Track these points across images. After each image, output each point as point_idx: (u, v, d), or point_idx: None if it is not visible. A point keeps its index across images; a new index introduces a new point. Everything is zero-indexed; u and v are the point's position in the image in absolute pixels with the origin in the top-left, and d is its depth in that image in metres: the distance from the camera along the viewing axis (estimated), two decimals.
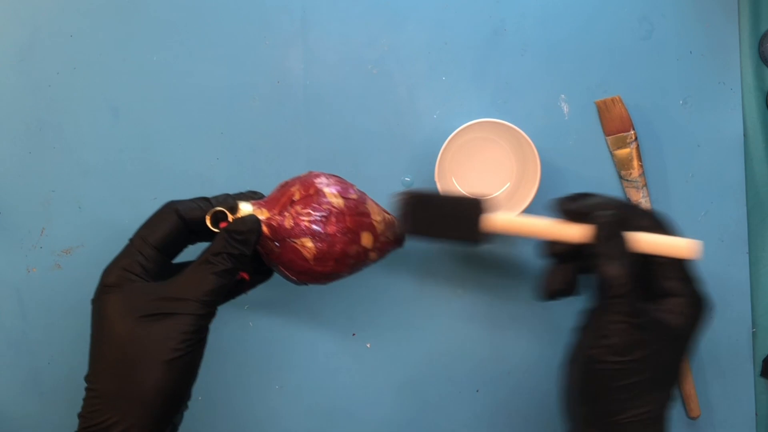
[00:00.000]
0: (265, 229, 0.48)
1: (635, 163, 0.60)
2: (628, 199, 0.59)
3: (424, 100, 0.60)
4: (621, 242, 0.45)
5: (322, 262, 0.48)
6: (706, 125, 0.61)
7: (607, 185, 0.61)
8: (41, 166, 0.59)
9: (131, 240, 0.48)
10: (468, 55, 0.61)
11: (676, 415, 0.61)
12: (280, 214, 0.48)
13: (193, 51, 0.60)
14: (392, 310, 0.60)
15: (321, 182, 0.49)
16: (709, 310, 0.46)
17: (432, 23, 0.61)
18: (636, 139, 0.60)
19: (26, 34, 0.60)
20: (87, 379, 0.45)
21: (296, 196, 0.49)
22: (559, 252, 0.49)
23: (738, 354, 0.61)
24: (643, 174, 0.60)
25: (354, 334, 0.60)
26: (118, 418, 0.43)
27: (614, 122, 0.60)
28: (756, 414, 0.61)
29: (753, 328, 0.61)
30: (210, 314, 0.45)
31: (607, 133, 0.60)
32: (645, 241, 0.46)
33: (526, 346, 0.60)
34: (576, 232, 0.47)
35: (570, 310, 0.50)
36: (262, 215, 0.48)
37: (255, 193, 0.52)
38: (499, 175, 0.59)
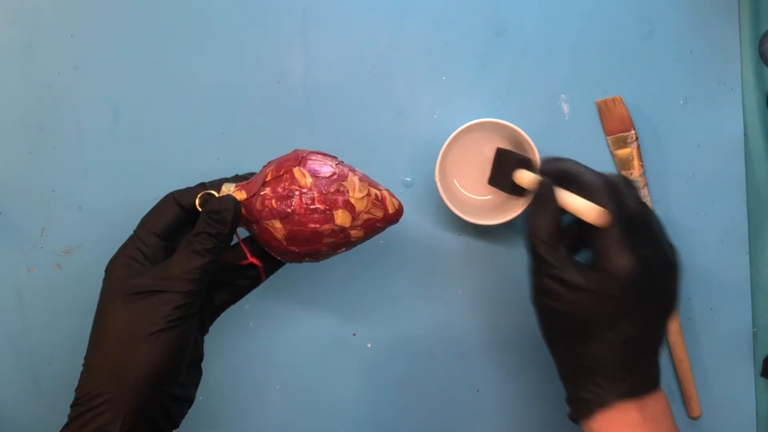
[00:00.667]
0: (244, 210, 0.49)
1: (636, 163, 0.60)
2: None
3: (424, 100, 0.60)
4: (550, 205, 0.49)
5: (295, 242, 0.49)
6: (706, 125, 0.61)
7: None
8: (41, 166, 0.59)
9: (135, 230, 0.50)
10: (468, 55, 0.61)
11: (676, 415, 0.60)
12: (254, 195, 0.49)
13: (193, 51, 0.60)
14: (392, 310, 0.60)
15: (296, 161, 0.50)
16: (627, 274, 0.46)
17: (432, 23, 0.61)
18: (636, 139, 0.60)
19: (26, 34, 0.60)
20: (84, 357, 0.47)
21: (268, 177, 0.49)
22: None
23: (738, 354, 0.61)
24: (643, 174, 0.60)
25: (354, 334, 0.60)
26: (102, 390, 0.44)
27: (615, 122, 0.60)
28: (756, 414, 0.61)
29: (753, 328, 0.61)
30: (195, 292, 0.46)
31: (607, 133, 0.60)
32: (564, 201, 0.49)
33: (527, 346, 0.60)
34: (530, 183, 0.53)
35: None
36: (241, 196, 0.49)
37: (252, 174, 0.53)
38: None
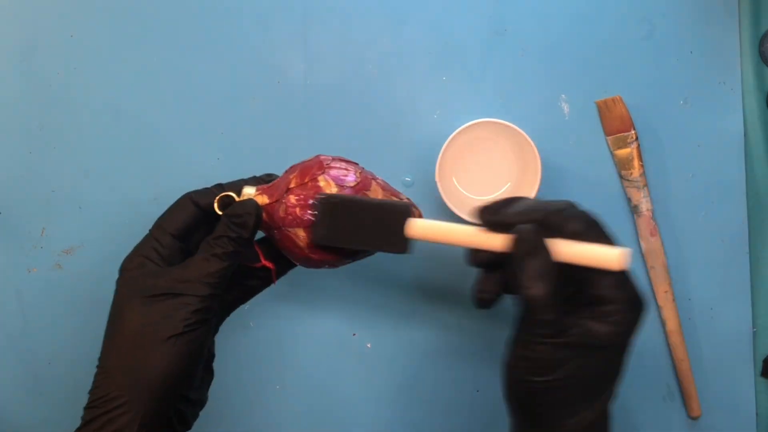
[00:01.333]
0: (264, 215, 0.49)
1: (636, 162, 0.60)
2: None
3: (424, 100, 0.60)
4: (543, 257, 0.41)
5: (317, 251, 0.48)
6: (706, 125, 0.61)
7: (607, 185, 0.61)
8: (41, 166, 0.59)
9: (150, 230, 0.49)
10: (468, 55, 0.61)
11: (676, 415, 0.61)
12: (277, 201, 0.49)
13: (193, 51, 0.60)
14: (392, 311, 0.60)
15: (320, 169, 0.49)
16: (644, 311, 0.42)
17: (432, 23, 0.61)
18: (636, 138, 0.60)
19: (27, 34, 0.60)
20: (99, 358, 0.46)
21: (292, 184, 0.49)
22: (484, 261, 0.45)
23: (738, 354, 0.61)
24: (643, 174, 0.60)
25: (354, 334, 0.60)
26: (119, 392, 0.44)
27: (615, 122, 0.60)
28: (756, 414, 0.61)
29: (753, 328, 0.61)
30: (213, 296, 0.46)
31: (607, 133, 0.60)
32: (569, 252, 0.41)
33: None
34: (499, 242, 0.43)
35: None
36: (262, 200, 0.49)
37: (270, 175, 0.52)
38: (499, 175, 0.59)
